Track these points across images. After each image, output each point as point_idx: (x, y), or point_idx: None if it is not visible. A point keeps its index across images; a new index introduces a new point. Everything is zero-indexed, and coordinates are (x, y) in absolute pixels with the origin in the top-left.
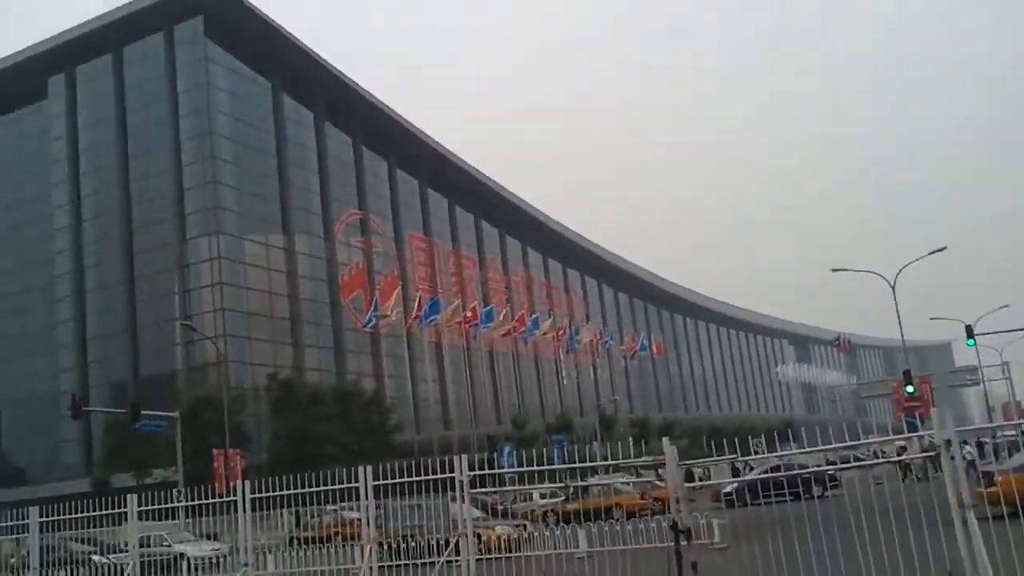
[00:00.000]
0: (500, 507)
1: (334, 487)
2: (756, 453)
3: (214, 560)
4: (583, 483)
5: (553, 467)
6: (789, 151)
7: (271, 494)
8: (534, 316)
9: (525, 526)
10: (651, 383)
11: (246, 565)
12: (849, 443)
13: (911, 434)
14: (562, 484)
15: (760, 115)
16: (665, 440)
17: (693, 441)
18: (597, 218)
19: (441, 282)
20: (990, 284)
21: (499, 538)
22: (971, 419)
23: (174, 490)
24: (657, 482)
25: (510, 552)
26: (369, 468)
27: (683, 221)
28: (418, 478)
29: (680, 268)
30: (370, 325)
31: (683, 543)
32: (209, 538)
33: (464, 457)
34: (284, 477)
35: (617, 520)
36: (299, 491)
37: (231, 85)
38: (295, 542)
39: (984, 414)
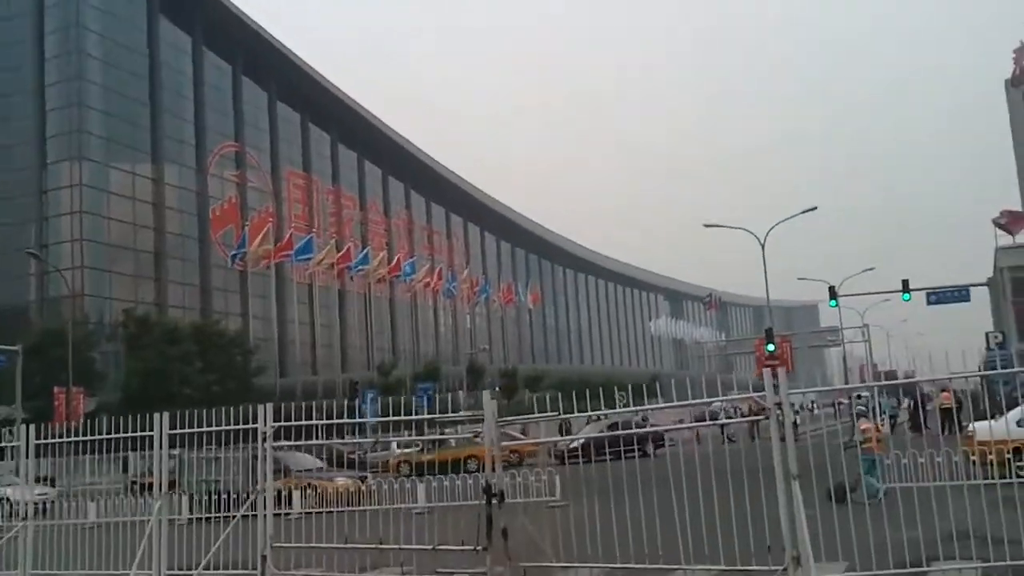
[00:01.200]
0: (354, 456)
1: (125, 435)
2: (620, 407)
3: (39, 506)
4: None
5: (361, 420)
6: (682, 108)
7: (58, 440)
8: (411, 260)
9: (366, 478)
10: (527, 333)
11: (24, 519)
12: (681, 402)
13: (745, 395)
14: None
15: (654, 69)
16: (485, 394)
17: (563, 392)
18: (486, 167)
19: (319, 221)
20: (863, 247)
21: (336, 490)
22: (830, 380)
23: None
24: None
25: (349, 505)
26: (167, 415)
27: (573, 173)
28: (218, 428)
29: (566, 221)
30: (237, 260)
31: (495, 505)
32: (44, 482)
33: (270, 406)
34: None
35: (472, 472)
36: (85, 439)
37: (103, 2)
38: (128, 488)
39: (842, 375)
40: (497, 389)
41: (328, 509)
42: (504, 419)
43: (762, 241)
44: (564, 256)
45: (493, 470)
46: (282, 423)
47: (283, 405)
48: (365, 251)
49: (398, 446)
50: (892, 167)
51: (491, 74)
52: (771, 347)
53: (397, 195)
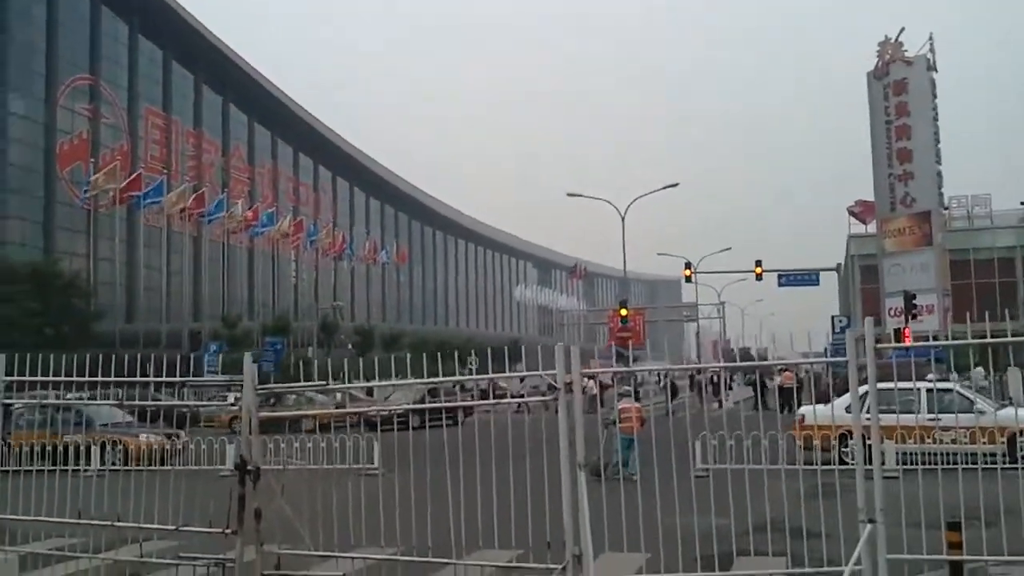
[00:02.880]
0: (186, 411)
1: None
2: (471, 372)
3: None
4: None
5: (121, 379)
6: (560, 74)
7: None
8: (270, 210)
9: (179, 435)
10: (393, 293)
11: None
12: (494, 375)
13: (533, 372)
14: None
15: (536, 39)
16: (247, 357)
17: (417, 353)
18: (363, 126)
19: (177, 164)
20: (727, 226)
21: (141, 447)
22: (686, 354)
23: None
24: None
25: (154, 464)
26: None
27: (458, 140)
28: None
29: (440, 183)
30: (86, 199)
31: (249, 485)
32: None
33: (2, 357)
34: None
35: (308, 432)
36: None
37: None
38: None
39: (696, 350)
40: (350, 347)
41: (128, 468)
42: (265, 386)
43: (622, 214)
44: (436, 218)
45: (249, 443)
46: (17, 376)
47: (101, 355)
48: (221, 197)
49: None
50: (764, 151)
51: (378, 32)
52: (623, 316)
53: (264, 144)
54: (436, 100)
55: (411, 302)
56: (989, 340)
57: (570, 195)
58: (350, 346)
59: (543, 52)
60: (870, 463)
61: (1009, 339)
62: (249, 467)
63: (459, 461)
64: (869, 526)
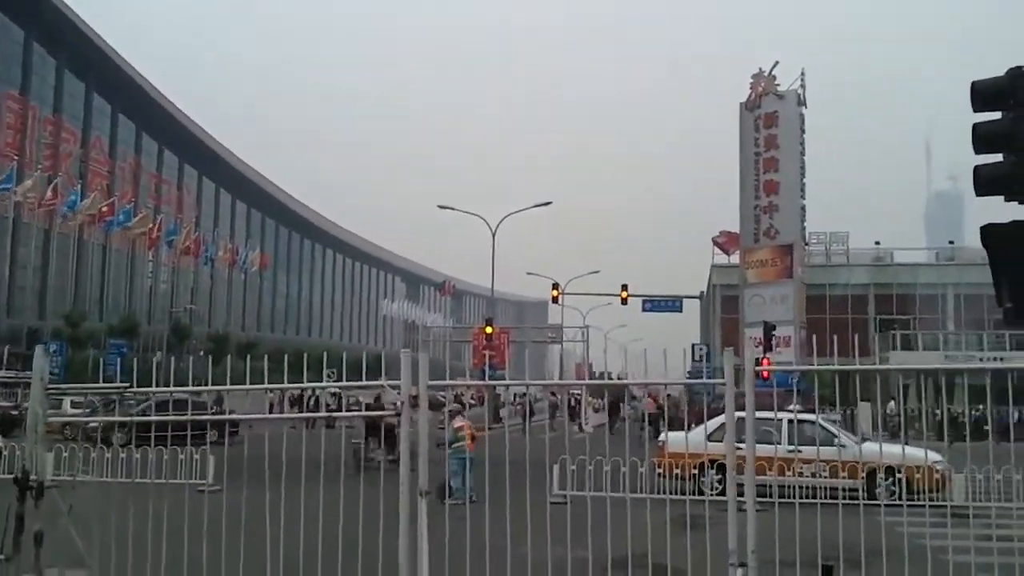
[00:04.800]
0: (15, 413)
1: None
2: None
3: None
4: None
5: None
6: (442, 88)
7: None
8: (128, 207)
9: None
10: (255, 299)
11: None
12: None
13: (379, 381)
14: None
15: (412, 57)
16: (38, 350)
17: (274, 363)
18: (239, 129)
19: (31, 151)
20: (598, 250)
21: None
22: (549, 374)
23: None
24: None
25: None
26: None
27: (323, 143)
28: None
29: (311, 189)
30: None
31: (31, 502)
32: None
33: None
34: None
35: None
36: None
37: None
38: None
39: (559, 372)
40: (202, 354)
41: None
42: (55, 387)
43: (493, 230)
44: (304, 225)
45: (34, 453)
46: None
47: None
48: (76, 190)
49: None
50: (638, 176)
51: (258, 36)
52: (490, 337)
53: (127, 137)
54: (309, 106)
55: (272, 310)
56: (879, 367)
57: (441, 207)
58: (202, 352)
59: (417, 63)
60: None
61: (897, 366)
62: (31, 482)
63: (300, 479)
64: (740, 571)
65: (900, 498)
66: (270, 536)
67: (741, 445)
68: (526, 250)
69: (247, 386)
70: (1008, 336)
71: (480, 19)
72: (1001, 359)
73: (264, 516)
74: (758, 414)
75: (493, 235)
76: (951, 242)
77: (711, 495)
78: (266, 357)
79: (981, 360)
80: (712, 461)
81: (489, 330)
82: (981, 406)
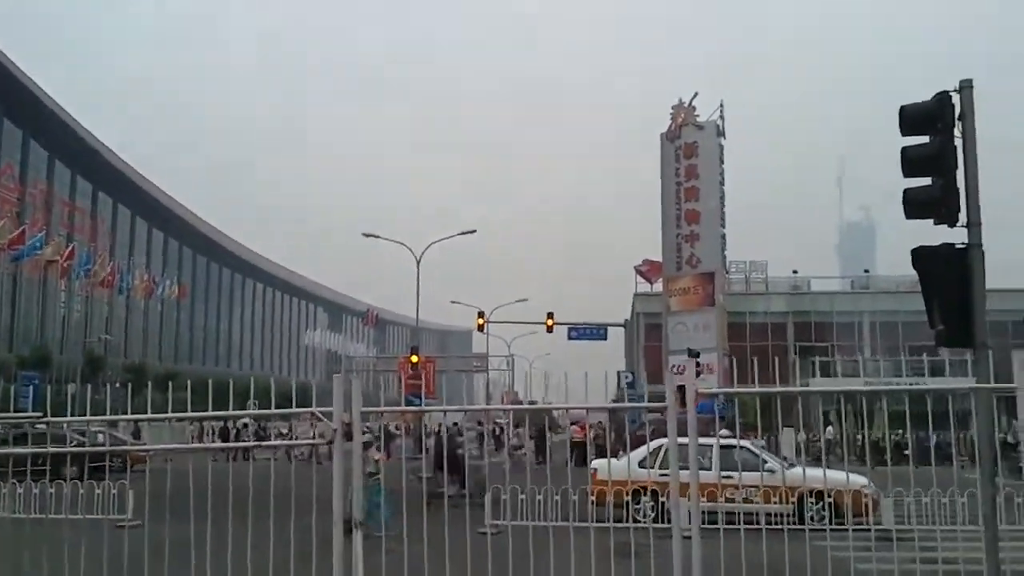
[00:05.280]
0: None
1: None
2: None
3: None
4: None
5: None
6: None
7: None
8: (40, 235)
9: None
10: (172, 330)
11: None
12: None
13: (310, 409)
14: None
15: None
16: None
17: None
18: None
19: None
20: (523, 278)
21: None
22: (475, 404)
23: None
24: None
25: None
26: None
27: (245, 172)
28: None
29: (231, 219)
30: None
31: None
32: None
33: None
34: None
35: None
36: None
37: None
38: None
39: (485, 401)
40: (118, 385)
41: None
42: None
43: (418, 258)
44: (223, 254)
45: None
46: None
47: None
48: None
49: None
50: (562, 205)
51: (174, 65)
52: (416, 366)
53: (38, 163)
54: (228, 133)
55: (191, 340)
56: (805, 389)
57: (366, 235)
58: (118, 384)
59: (339, 92)
60: (665, 521)
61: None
62: None
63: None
64: None
65: (831, 522)
66: (195, 571)
67: (668, 471)
68: (451, 279)
69: (168, 414)
70: (926, 361)
71: (399, 45)
72: (918, 384)
73: (188, 551)
74: (686, 440)
75: (418, 263)
76: (866, 270)
77: (646, 523)
78: (189, 387)
79: (899, 385)
80: (644, 488)
81: (415, 359)
82: (901, 430)
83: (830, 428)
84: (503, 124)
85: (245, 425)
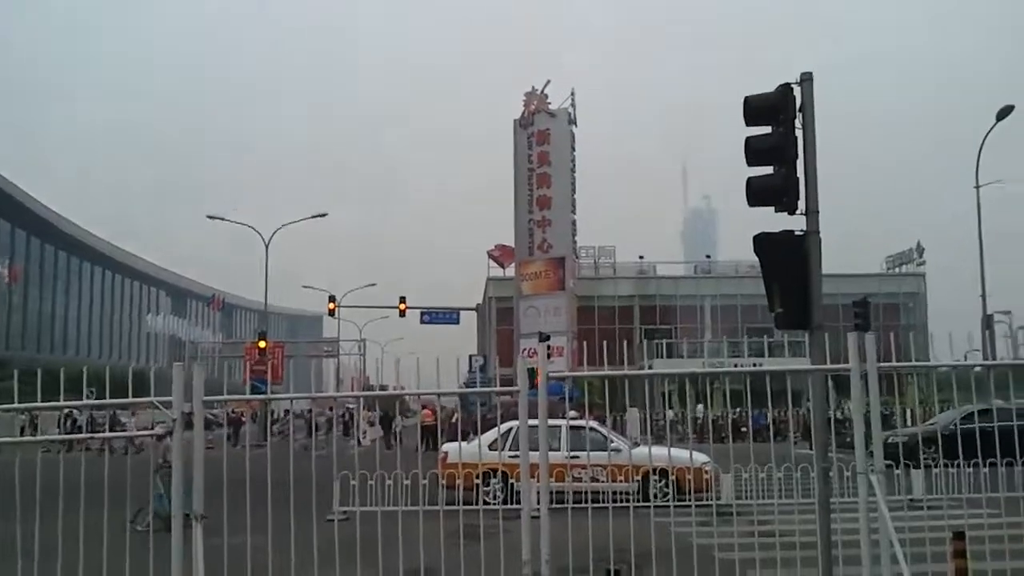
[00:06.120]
0: None
1: None
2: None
3: None
4: None
5: None
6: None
7: None
8: None
9: None
10: (4, 315)
11: None
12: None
13: (148, 399)
14: None
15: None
16: None
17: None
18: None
19: None
20: (373, 263)
21: None
22: (324, 389)
23: None
24: None
25: None
26: None
27: (93, 157)
28: None
29: (81, 205)
30: None
31: None
32: None
33: None
34: None
35: None
36: None
37: None
38: None
39: (335, 387)
40: None
41: None
42: None
43: (267, 241)
44: (60, 237)
45: None
46: None
47: None
48: None
49: None
50: (416, 191)
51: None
52: (263, 352)
53: None
54: (67, 109)
55: (24, 326)
56: (645, 372)
57: (211, 217)
58: None
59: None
60: (515, 503)
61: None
62: None
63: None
64: None
65: (674, 499)
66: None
67: (518, 453)
68: (301, 263)
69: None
70: (757, 343)
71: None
72: (756, 364)
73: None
74: (534, 421)
75: (266, 247)
76: (708, 256)
77: (495, 504)
78: (16, 376)
79: (737, 366)
80: (493, 470)
81: (262, 344)
82: (739, 408)
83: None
84: (361, 105)
85: (69, 415)
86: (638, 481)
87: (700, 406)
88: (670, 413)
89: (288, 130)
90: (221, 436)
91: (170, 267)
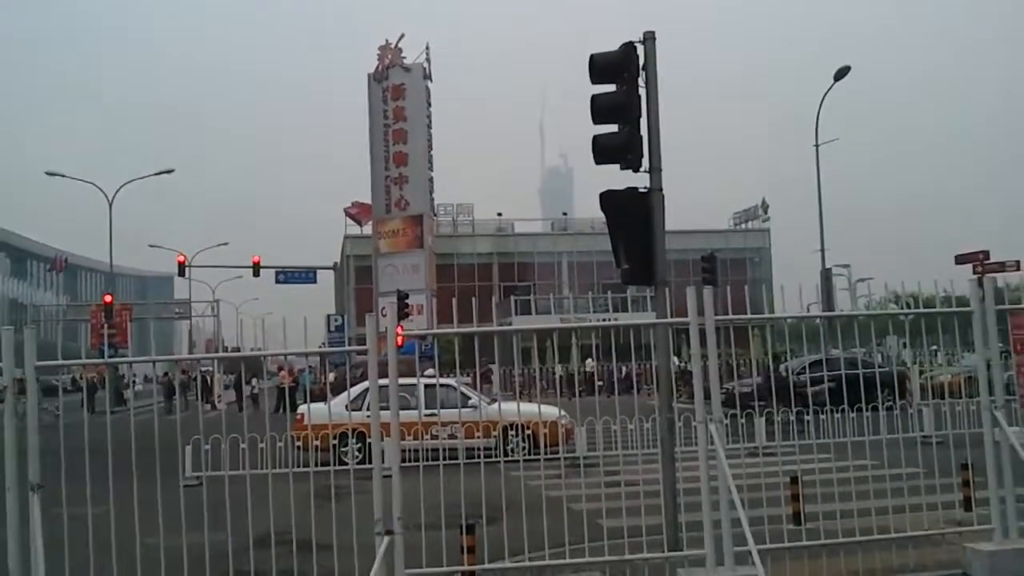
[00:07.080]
0: None
1: None
2: None
3: None
4: None
5: None
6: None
7: None
8: None
9: None
10: None
11: None
12: None
13: None
14: None
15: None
16: None
17: None
18: None
19: None
20: (225, 221)
21: None
22: (178, 352)
23: None
24: None
25: None
26: None
27: None
28: None
29: None
30: None
31: None
32: None
33: None
34: None
35: None
36: None
37: None
38: None
39: (187, 348)
40: None
41: None
42: None
43: (110, 199)
44: None
45: None
46: None
47: None
48: None
49: None
50: (272, 148)
51: None
52: (109, 314)
53: None
54: None
55: None
56: (501, 328)
57: (49, 174)
58: None
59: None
60: (371, 462)
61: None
62: None
63: None
64: (386, 539)
65: (531, 453)
66: None
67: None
68: (150, 222)
69: None
70: (617, 299)
71: None
72: (609, 319)
73: None
74: (386, 381)
75: (110, 205)
76: (564, 213)
77: (353, 465)
78: None
79: (591, 321)
80: (353, 430)
81: (108, 301)
82: (591, 360)
83: (589, 361)
84: (209, 55)
85: None
86: (496, 437)
87: (590, 360)
88: (539, 369)
89: (135, 81)
90: (69, 403)
91: (9, 227)
